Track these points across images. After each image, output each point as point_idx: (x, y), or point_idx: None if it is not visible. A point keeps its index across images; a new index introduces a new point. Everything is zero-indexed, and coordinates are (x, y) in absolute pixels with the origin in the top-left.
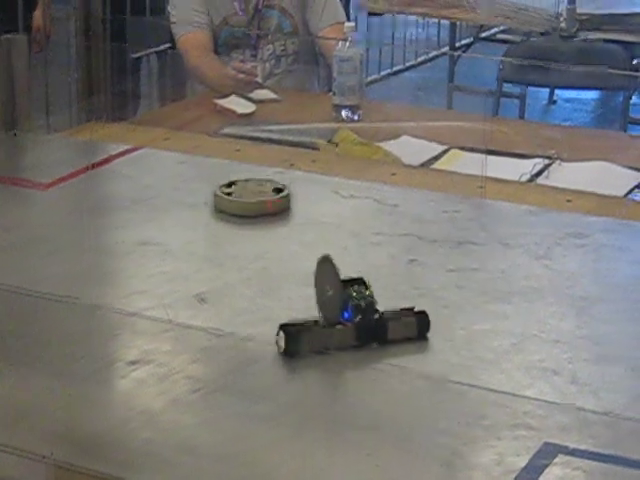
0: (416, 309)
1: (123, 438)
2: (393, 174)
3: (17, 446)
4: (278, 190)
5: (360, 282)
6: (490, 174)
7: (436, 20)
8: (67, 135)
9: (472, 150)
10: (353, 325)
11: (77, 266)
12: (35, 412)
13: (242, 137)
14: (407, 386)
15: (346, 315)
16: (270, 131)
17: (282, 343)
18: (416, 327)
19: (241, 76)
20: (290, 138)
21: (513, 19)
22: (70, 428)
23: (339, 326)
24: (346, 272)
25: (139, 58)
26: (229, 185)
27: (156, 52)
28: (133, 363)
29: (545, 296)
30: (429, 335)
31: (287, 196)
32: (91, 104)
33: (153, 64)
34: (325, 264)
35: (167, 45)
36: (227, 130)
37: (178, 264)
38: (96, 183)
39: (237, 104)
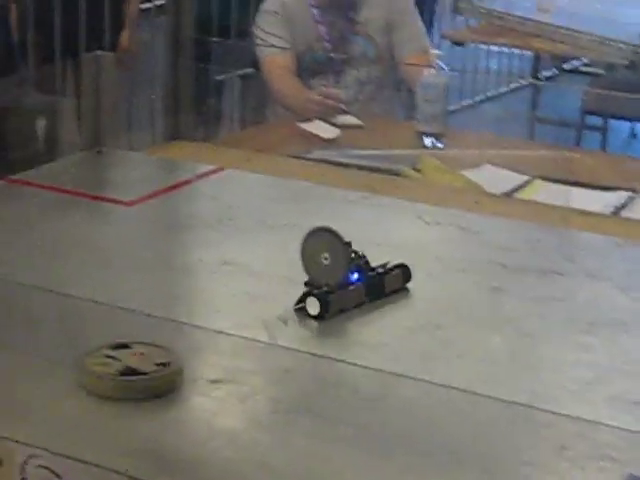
0: (395, 262)
1: (203, 456)
2: (476, 202)
3: (96, 460)
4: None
5: (349, 244)
6: (573, 205)
7: (518, 52)
8: (150, 153)
9: (555, 181)
10: (363, 285)
11: (160, 283)
12: (117, 427)
13: (325, 161)
14: (490, 414)
15: (354, 276)
16: (353, 156)
17: (314, 309)
18: (402, 279)
19: (327, 101)
20: (373, 164)
21: (595, 51)
22: (152, 444)
23: (351, 287)
24: (430, 298)
25: (222, 81)
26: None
27: (239, 75)
28: (215, 382)
29: (630, 328)
30: (512, 362)
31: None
32: (175, 123)
33: (236, 87)
34: (320, 233)
35: (250, 69)
36: (310, 154)
37: (261, 285)
38: (179, 202)
39: (321, 129)
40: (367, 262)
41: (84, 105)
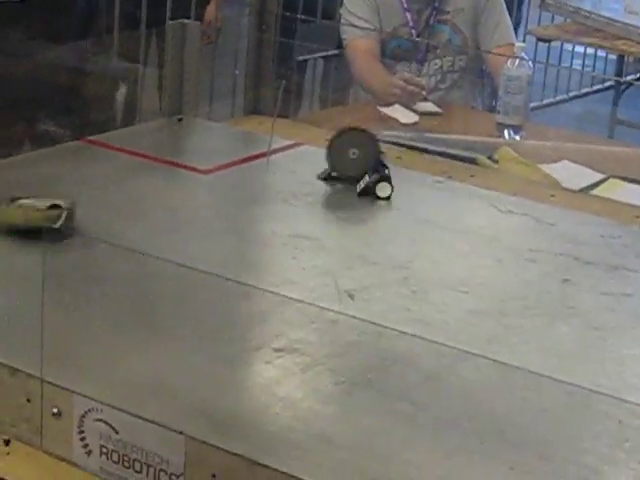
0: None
1: (262, 422)
2: (552, 196)
3: (156, 419)
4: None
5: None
6: None
7: (603, 54)
8: (230, 125)
9: (632, 181)
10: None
11: (231, 250)
12: (178, 387)
13: (403, 145)
14: (552, 401)
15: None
16: (430, 141)
17: (385, 191)
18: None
19: (409, 87)
20: (450, 151)
21: None
22: (211, 406)
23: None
24: (498, 286)
25: (305, 60)
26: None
27: (322, 57)
28: (279, 350)
29: None
30: (577, 353)
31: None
32: (255, 98)
33: (318, 67)
34: (351, 131)
35: (333, 51)
36: (388, 135)
37: (331, 259)
38: (255, 173)
39: (400, 113)
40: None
41: (168, 72)
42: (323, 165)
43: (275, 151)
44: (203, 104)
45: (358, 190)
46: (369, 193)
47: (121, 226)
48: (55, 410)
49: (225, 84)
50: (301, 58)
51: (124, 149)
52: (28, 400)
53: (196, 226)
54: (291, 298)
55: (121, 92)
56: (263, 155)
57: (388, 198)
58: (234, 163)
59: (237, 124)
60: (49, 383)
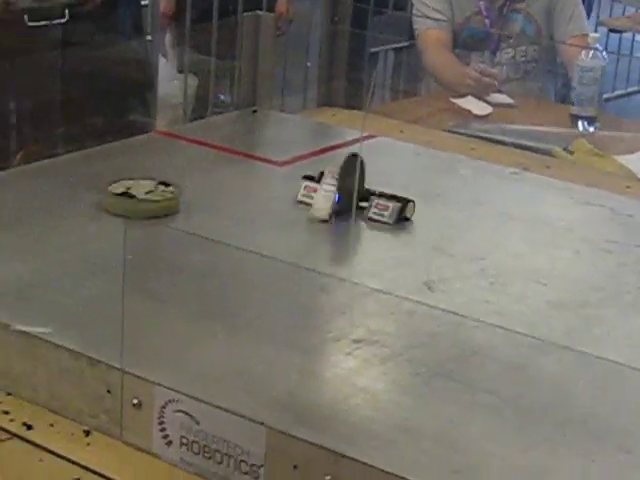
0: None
1: (343, 413)
2: (627, 187)
3: (237, 410)
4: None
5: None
6: None
7: None
8: (303, 117)
9: None
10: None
11: (310, 243)
12: (258, 378)
13: (476, 136)
14: (634, 392)
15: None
16: (505, 132)
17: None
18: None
19: (482, 78)
20: (525, 142)
21: None
22: (291, 397)
23: None
24: (576, 277)
25: (376, 52)
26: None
27: (394, 49)
28: (358, 341)
29: None
30: None
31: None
32: (327, 90)
33: (389, 59)
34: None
35: (405, 43)
36: (462, 128)
37: (409, 251)
38: (331, 165)
39: (473, 105)
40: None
41: (242, 64)
42: (399, 157)
43: (350, 142)
44: (276, 96)
45: (370, 216)
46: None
47: (199, 217)
48: (135, 401)
49: (297, 76)
50: (373, 50)
51: (198, 141)
52: (108, 391)
53: (273, 217)
54: (370, 288)
55: (192, 85)
56: (338, 147)
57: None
58: (309, 155)
59: (310, 116)
60: (129, 374)
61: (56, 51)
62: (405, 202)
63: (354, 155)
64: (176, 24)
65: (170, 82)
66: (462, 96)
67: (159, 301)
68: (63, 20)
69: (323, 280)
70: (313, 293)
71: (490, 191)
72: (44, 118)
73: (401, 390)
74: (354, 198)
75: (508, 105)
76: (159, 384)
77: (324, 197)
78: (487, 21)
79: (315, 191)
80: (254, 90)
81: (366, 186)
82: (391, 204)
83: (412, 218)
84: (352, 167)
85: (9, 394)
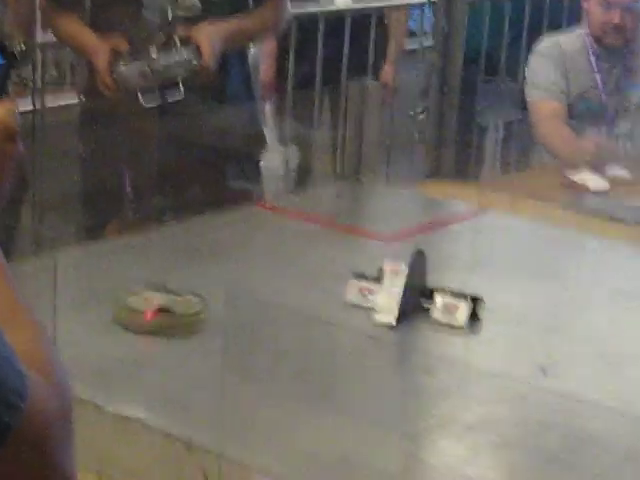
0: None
1: None
2: None
3: None
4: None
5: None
6: None
7: None
8: (411, 189)
9: None
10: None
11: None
12: (362, 463)
13: (593, 213)
14: None
15: None
16: (624, 209)
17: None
18: None
19: (599, 152)
20: None
21: None
22: None
23: None
24: None
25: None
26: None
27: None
28: (469, 428)
29: None
30: None
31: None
32: (435, 161)
33: (499, 129)
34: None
35: (516, 117)
36: (578, 203)
37: (520, 328)
38: (440, 241)
39: (589, 179)
40: None
41: (347, 133)
42: (509, 233)
43: (460, 217)
44: (382, 166)
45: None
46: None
47: (297, 295)
48: None
49: (403, 146)
50: (484, 124)
51: (300, 214)
52: (205, 478)
53: None
54: (476, 375)
55: (293, 156)
56: (448, 222)
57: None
58: (416, 230)
59: (419, 188)
60: (227, 459)
61: (161, 119)
62: (474, 299)
63: (420, 252)
64: (277, 92)
65: (272, 153)
66: (577, 170)
67: (257, 382)
68: (179, 98)
69: (426, 360)
70: (416, 375)
71: (609, 270)
72: (141, 189)
73: None
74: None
75: (627, 180)
76: (259, 471)
77: (389, 298)
78: (603, 94)
79: (370, 292)
80: (359, 160)
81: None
82: (462, 303)
83: (524, 300)
84: (419, 264)
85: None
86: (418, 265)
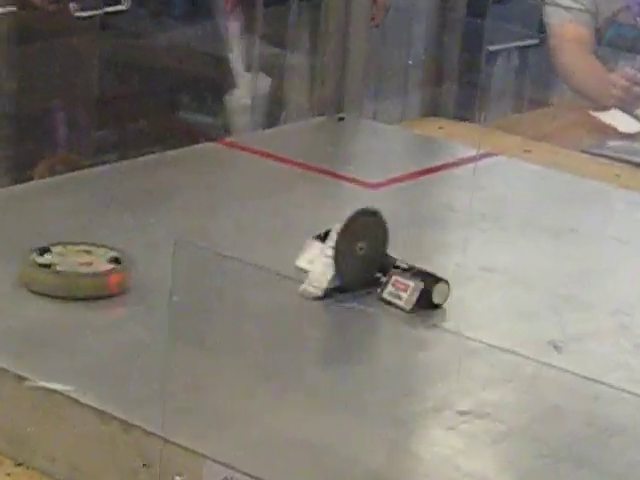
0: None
1: None
2: None
3: None
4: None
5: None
6: None
7: None
8: (403, 128)
9: None
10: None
11: None
12: (338, 454)
13: (622, 160)
14: None
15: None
16: None
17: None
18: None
19: (633, 87)
20: None
21: None
22: (377, 479)
23: None
24: None
25: (496, 52)
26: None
27: (518, 47)
28: (465, 413)
29: None
30: None
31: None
32: (434, 96)
33: (512, 59)
34: (370, 217)
35: (533, 40)
36: (603, 148)
37: (529, 299)
38: (436, 189)
39: (619, 120)
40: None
41: (326, 59)
42: (522, 182)
43: (462, 161)
44: (368, 101)
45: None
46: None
47: (263, 251)
48: (178, 479)
49: (395, 78)
50: (492, 48)
51: (270, 154)
52: (144, 465)
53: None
54: (481, 343)
55: (263, 84)
56: (444, 167)
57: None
58: (409, 176)
59: (412, 127)
60: (172, 443)
61: (99, 38)
62: (433, 281)
63: (373, 212)
64: (244, 9)
65: (236, 80)
66: (605, 109)
67: (207, 351)
68: (122, 7)
69: (421, 333)
70: (409, 349)
71: (637, 228)
72: (78, 120)
73: (519, 476)
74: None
75: None
76: (210, 458)
77: (324, 266)
78: (639, 19)
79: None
80: (341, 92)
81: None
82: (413, 283)
83: (533, 261)
84: (371, 228)
85: (19, 464)
86: (373, 229)
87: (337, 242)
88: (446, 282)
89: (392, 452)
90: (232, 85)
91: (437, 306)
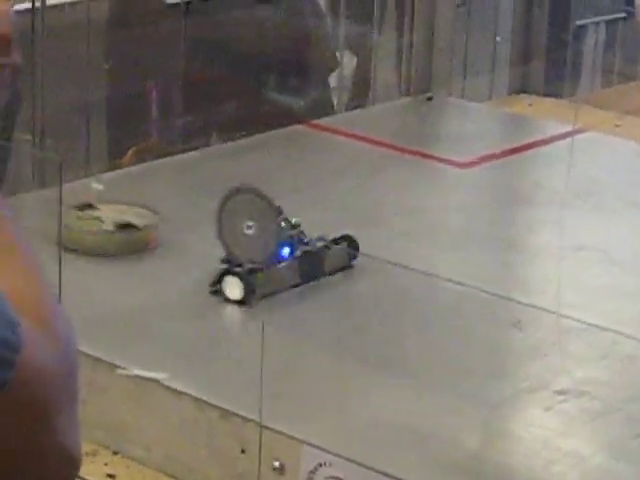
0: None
1: None
2: None
3: (406, 476)
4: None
5: (279, 211)
6: None
7: None
8: (493, 106)
9: None
10: (295, 261)
11: (497, 266)
12: (433, 436)
13: None
14: None
15: (286, 251)
16: None
17: (234, 291)
18: (347, 255)
19: None
20: None
21: None
22: (476, 461)
23: (282, 264)
24: None
25: (584, 26)
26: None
27: (607, 21)
28: (561, 393)
29: None
30: None
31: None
32: (523, 73)
33: (601, 34)
34: (242, 195)
35: (622, 13)
36: None
37: (625, 277)
38: (527, 167)
39: None
40: (302, 233)
41: (415, 38)
42: (616, 159)
43: (553, 138)
44: (456, 79)
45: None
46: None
47: (357, 232)
48: (277, 464)
49: (483, 55)
50: (580, 22)
51: (358, 135)
52: (242, 451)
53: (451, 233)
54: (579, 322)
55: (350, 65)
56: (536, 144)
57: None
58: (500, 154)
59: (501, 105)
60: (270, 430)
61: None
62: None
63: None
64: None
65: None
66: None
67: (303, 341)
68: None
69: (516, 312)
70: (503, 328)
71: None
72: (168, 105)
73: (616, 455)
74: None
75: None
76: (307, 443)
77: None
78: None
79: None
80: (429, 71)
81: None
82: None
83: (628, 240)
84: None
85: (116, 453)
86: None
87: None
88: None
89: (490, 434)
90: (336, 64)
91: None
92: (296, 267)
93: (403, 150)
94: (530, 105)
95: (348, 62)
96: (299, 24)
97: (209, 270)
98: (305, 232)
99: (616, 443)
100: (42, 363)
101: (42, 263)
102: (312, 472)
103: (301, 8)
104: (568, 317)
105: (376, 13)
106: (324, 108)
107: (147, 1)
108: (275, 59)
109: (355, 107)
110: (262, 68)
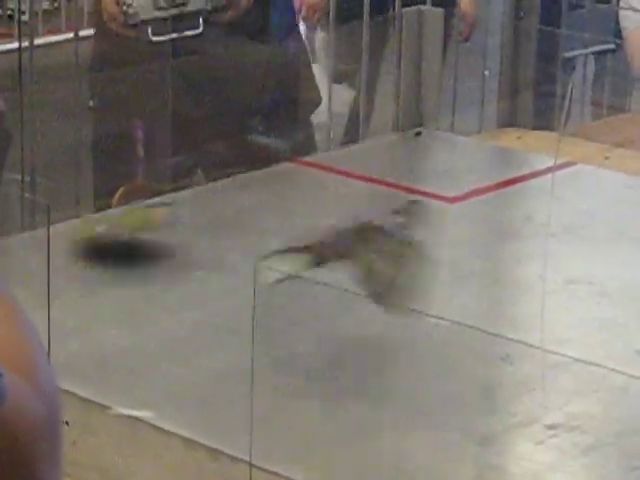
0: None
1: None
2: None
3: None
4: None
5: None
6: None
7: None
8: (481, 139)
9: None
10: None
11: (490, 299)
12: (424, 473)
13: None
14: None
15: None
16: None
17: None
18: None
19: None
20: None
21: None
22: None
23: None
24: None
25: (572, 58)
26: None
27: (595, 52)
28: (552, 427)
29: None
30: None
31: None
32: (511, 106)
33: (589, 66)
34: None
35: (609, 45)
36: None
37: (616, 310)
38: (516, 201)
39: None
40: None
41: (403, 74)
42: (605, 191)
43: (541, 172)
44: (445, 114)
45: None
46: None
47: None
48: None
49: (471, 89)
50: (569, 55)
51: (348, 172)
52: None
53: (444, 269)
54: (567, 357)
55: (341, 101)
56: (524, 178)
57: None
58: (488, 188)
59: (489, 138)
60: (260, 469)
61: (177, 60)
62: None
63: None
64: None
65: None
66: None
67: (297, 377)
68: (197, 31)
69: (506, 347)
70: (493, 364)
71: None
72: (154, 146)
73: None
74: None
75: None
76: None
77: None
78: None
79: None
80: (417, 107)
81: None
82: None
83: (618, 273)
84: None
85: None
86: None
87: None
88: None
89: (483, 469)
90: (318, 101)
91: None
92: None
93: (393, 186)
94: (519, 138)
95: (348, 96)
96: (284, 62)
97: None
98: None
99: (608, 477)
100: (26, 416)
101: (27, 309)
102: None
103: (286, 45)
104: (556, 353)
105: (365, 47)
106: (306, 147)
107: (132, 39)
108: (258, 98)
109: (347, 143)
110: (244, 108)
